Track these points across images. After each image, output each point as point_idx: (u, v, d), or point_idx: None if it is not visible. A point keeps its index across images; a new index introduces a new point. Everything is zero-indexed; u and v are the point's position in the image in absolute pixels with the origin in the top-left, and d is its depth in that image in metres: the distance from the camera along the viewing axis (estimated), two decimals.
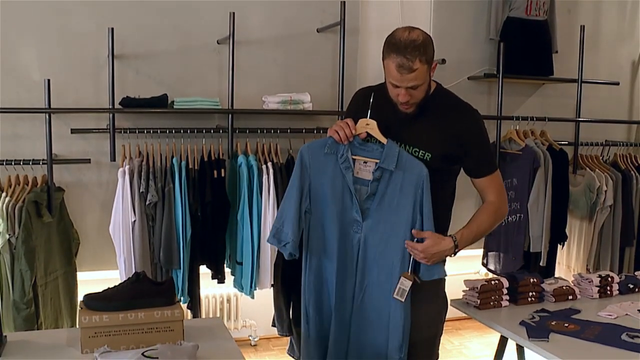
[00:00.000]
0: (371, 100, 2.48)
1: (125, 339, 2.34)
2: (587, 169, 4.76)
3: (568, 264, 4.84)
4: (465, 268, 5.05)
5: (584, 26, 4.79)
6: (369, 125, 2.48)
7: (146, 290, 2.44)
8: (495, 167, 2.63)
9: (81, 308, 2.40)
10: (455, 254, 2.51)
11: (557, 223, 4.52)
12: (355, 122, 2.49)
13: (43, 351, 2.36)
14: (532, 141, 4.53)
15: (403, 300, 2.46)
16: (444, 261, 2.54)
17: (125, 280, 2.52)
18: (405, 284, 2.46)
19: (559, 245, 4.64)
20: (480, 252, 4.76)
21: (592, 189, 4.64)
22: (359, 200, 2.48)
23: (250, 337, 4.78)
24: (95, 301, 2.40)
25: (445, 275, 2.55)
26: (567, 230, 4.66)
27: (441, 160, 2.50)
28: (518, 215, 4.46)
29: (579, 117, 4.86)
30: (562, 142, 4.79)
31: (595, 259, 4.73)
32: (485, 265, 4.73)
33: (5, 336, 2.43)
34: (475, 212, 2.63)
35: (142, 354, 2.11)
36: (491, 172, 2.59)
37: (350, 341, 2.57)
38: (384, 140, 2.47)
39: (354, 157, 2.49)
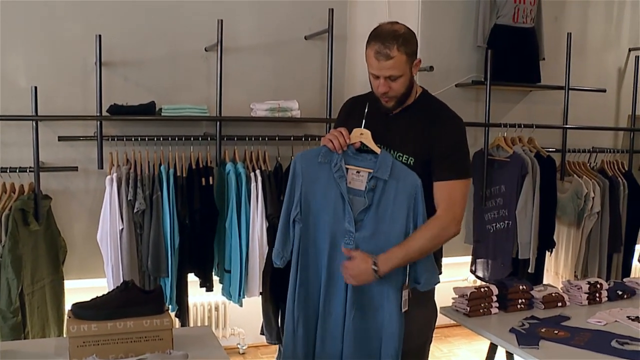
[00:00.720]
0: (365, 110, 2.47)
1: (114, 348, 2.32)
2: (575, 175, 4.78)
3: (556, 271, 4.85)
4: (453, 275, 5.06)
5: (570, 33, 4.82)
6: (363, 135, 2.47)
7: (135, 299, 2.43)
8: (461, 177, 2.47)
9: (69, 317, 2.38)
10: (378, 277, 2.38)
11: (545, 230, 4.53)
12: (349, 132, 2.48)
13: None
14: (520, 148, 4.54)
15: (407, 308, 2.46)
16: (435, 269, 2.53)
17: (114, 289, 2.50)
18: (405, 294, 2.46)
19: (547, 251, 4.65)
20: (469, 258, 4.77)
21: (580, 196, 4.66)
22: (353, 210, 2.45)
23: (238, 345, 4.76)
24: (84, 310, 2.38)
25: (437, 282, 2.54)
26: (555, 237, 4.68)
27: (423, 165, 2.48)
28: (506, 222, 4.47)
29: (566, 124, 4.88)
30: (550, 149, 4.81)
31: (583, 266, 4.74)
32: (473, 272, 4.74)
33: None
34: (417, 229, 2.44)
35: None
36: (452, 178, 2.45)
37: (343, 356, 2.51)
38: (377, 150, 2.46)
39: (347, 166, 2.47)
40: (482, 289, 3.02)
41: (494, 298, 3.03)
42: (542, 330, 2.78)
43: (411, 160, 2.48)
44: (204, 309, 4.64)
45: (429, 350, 2.71)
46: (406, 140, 2.50)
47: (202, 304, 4.63)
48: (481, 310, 3.00)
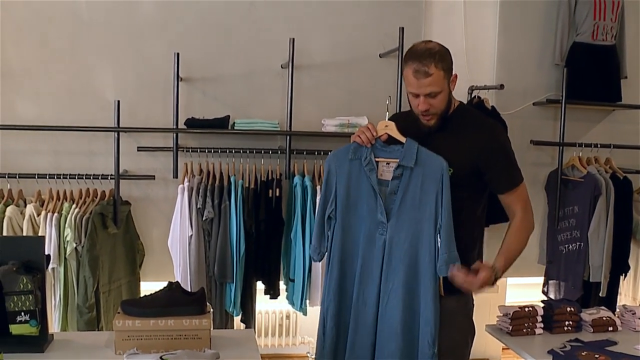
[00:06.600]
0: (387, 102, 2.65)
1: (155, 344, 2.51)
2: None
3: (634, 296, 4.68)
4: (527, 295, 4.98)
5: None
6: (387, 127, 2.60)
7: (178, 299, 2.62)
8: (519, 181, 2.63)
9: (118, 312, 2.59)
10: (493, 284, 2.54)
11: (619, 253, 4.39)
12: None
13: (82, 350, 2.58)
14: (595, 168, 4.42)
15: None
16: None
17: (160, 289, 2.70)
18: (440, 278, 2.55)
19: (621, 276, 4.49)
20: (542, 279, 4.68)
21: None
22: (384, 201, 2.55)
23: (307, 354, 4.88)
24: (131, 307, 2.59)
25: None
26: (633, 261, 4.52)
27: (464, 174, 2.56)
28: (578, 243, 4.36)
29: None
30: (631, 170, 4.66)
31: None
32: (545, 293, 4.64)
33: (52, 335, 2.65)
34: (507, 233, 2.64)
35: (161, 357, 2.27)
36: (514, 187, 2.61)
37: (377, 347, 2.58)
38: (402, 139, 2.56)
39: (377, 159, 2.58)
40: (526, 309, 3.01)
41: (539, 318, 3.02)
42: (583, 353, 2.74)
43: (450, 170, 2.54)
44: (275, 316, 4.80)
45: None
46: (446, 152, 2.55)
47: (274, 312, 4.79)
48: (524, 330, 3.00)
